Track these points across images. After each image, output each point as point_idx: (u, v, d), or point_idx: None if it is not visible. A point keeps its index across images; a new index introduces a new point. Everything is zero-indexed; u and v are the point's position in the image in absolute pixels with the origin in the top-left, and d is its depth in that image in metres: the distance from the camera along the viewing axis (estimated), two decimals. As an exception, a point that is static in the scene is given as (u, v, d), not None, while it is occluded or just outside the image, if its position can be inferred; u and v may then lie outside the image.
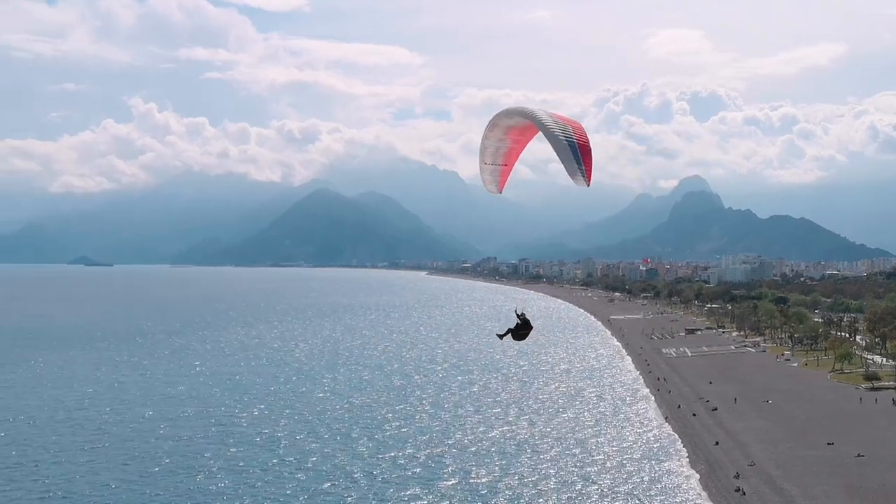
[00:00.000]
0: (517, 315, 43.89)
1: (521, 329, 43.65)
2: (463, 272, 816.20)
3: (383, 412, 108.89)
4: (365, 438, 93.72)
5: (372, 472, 79.97)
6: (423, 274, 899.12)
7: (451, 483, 76.84)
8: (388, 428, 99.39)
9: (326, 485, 76.32)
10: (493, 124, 38.88)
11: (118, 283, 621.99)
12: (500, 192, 41.51)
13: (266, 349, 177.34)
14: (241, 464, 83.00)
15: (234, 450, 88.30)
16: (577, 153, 35.56)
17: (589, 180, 36.02)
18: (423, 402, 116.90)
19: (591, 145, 36.92)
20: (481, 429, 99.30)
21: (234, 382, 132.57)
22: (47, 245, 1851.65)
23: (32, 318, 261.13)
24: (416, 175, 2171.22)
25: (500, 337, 44.18)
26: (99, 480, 77.33)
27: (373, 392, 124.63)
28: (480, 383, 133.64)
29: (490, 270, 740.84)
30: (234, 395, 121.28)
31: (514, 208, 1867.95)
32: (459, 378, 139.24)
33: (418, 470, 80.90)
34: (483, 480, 77.81)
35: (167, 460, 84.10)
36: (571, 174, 35.89)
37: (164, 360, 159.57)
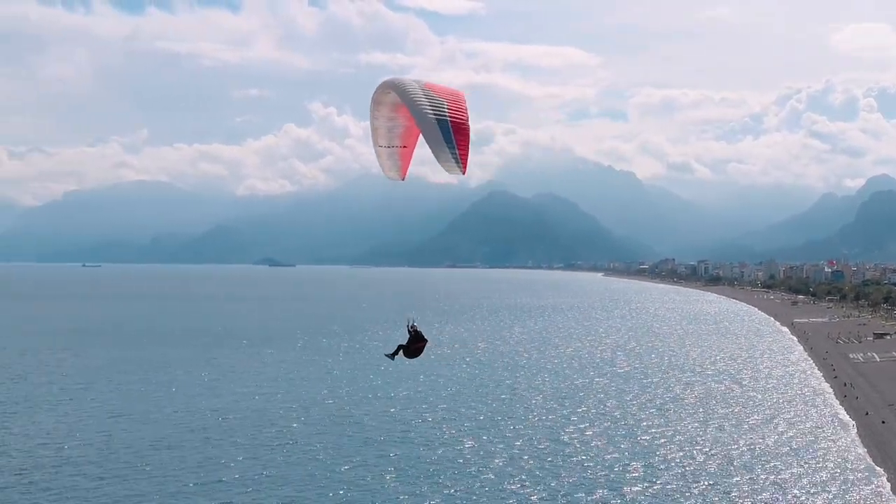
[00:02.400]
0: (408, 329, 40.36)
1: (414, 343, 40.37)
2: (640, 274, 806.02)
3: (565, 413, 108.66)
4: (547, 440, 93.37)
5: (559, 474, 79.81)
6: (599, 275, 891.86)
7: (637, 489, 76.56)
8: (570, 430, 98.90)
9: (513, 486, 76.65)
10: (375, 101, 33.90)
11: (301, 283, 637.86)
12: (403, 178, 36.17)
13: (444, 348, 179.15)
14: (425, 463, 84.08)
15: (421, 449, 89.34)
16: (448, 132, 30.79)
17: (464, 168, 31.27)
18: (605, 404, 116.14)
19: (470, 123, 31.59)
20: (669, 432, 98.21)
21: (415, 381, 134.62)
22: (233, 246, 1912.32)
23: (220, 317, 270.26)
24: (592, 176, 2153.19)
25: (391, 356, 40.91)
26: (280, 475, 79.70)
27: (552, 393, 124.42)
28: (664, 386, 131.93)
29: (668, 272, 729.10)
30: (416, 393, 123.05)
31: (693, 209, 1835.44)
32: (642, 380, 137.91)
33: (605, 472, 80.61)
34: (671, 486, 77.25)
35: (356, 458, 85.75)
36: (441, 160, 31.18)
37: (344, 358, 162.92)
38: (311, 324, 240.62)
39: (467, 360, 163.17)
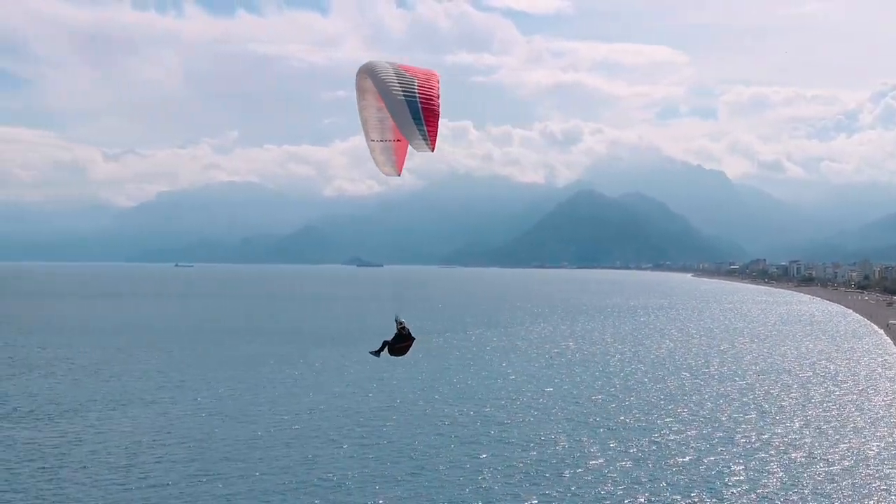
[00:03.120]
0: (397, 324, 39.51)
1: (399, 342, 39.65)
2: (730, 274, 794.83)
3: (660, 415, 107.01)
4: (643, 442, 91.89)
5: (656, 476, 78.48)
6: (688, 276, 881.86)
7: (736, 491, 75.08)
8: (666, 431, 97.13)
9: (609, 487, 75.70)
10: (359, 89, 33.10)
11: (389, 283, 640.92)
12: (399, 174, 35.27)
13: (534, 349, 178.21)
14: (520, 464, 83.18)
15: (515, 450, 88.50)
16: (417, 111, 30.26)
17: (433, 145, 30.62)
18: (701, 406, 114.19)
19: (440, 104, 30.98)
20: (766, 435, 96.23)
21: (506, 380, 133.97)
22: (322, 246, 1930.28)
23: (311, 316, 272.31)
24: (680, 175, 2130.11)
25: (376, 354, 40.14)
26: (372, 474, 79.61)
27: (646, 394, 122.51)
28: (760, 388, 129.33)
29: (758, 272, 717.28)
30: (507, 393, 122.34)
31: (785, 208, 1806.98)
32: (738, 382, 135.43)
33: (704, 475, 79.18)
34: (772, 489, 75.66)
35: (449, 458, 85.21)
36: (409, 137, 30.65)
37: (435, 357, 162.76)
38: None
39: (559, 360, 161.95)
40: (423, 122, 30.53)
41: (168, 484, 75.35)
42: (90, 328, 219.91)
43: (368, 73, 32.18)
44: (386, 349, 40.47)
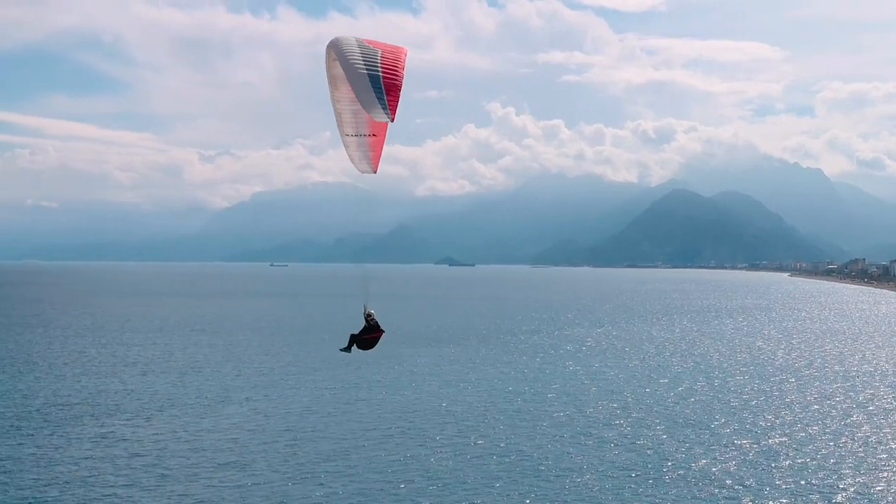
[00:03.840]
0: (365, 317, 38.17)
1: (367, 334, 38.43)
2: (828, 274, 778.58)
3: (765, 416, 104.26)
4: (748, 443, 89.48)
5: (765, 479, 76.37)
6: (785, 276, 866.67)
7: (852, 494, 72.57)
8: (775, 433, 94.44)
9: (714, 488, 73.77)
10: (330, 77, 32.39)
11: (482, 283, 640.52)
12: (375, 171, 34.31)
13: (633, 349, 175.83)
14: (622, 464, 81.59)
15: (616, 450, 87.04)
16: (378, 81, 29.53)
17: (393, 115, 29.70)
18: (808, 408, 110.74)
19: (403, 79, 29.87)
20: (885, 436, 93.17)
21: (605, 380, 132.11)
22: (415, 246, 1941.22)
23: (405, 315, 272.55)
24: (777, 173, 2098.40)
25: (346, 350, 38.52)
26: (468, 474, 78.60)
27: (750, 394, 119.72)
28: (869, 390, 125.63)
29: (858, 272, 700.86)
30: (606, 393, 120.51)
31: (885, 207, 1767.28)
32: (845, 384, 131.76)
33: (819, 477, 76.59)
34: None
35: (549, 458, 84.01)
36: (367, 105, 29.68)
37: (530, 358, 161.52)
38: (494, 323, 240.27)
39: (656, 360, 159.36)
40: (384, 92, 29.66)
41: (264, 483, 75.20)
42: (188, 327, 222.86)
43: (334, 49, 31.36)
44: (356, 342, 39.45)
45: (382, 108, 29.59)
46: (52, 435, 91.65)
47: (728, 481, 76.32)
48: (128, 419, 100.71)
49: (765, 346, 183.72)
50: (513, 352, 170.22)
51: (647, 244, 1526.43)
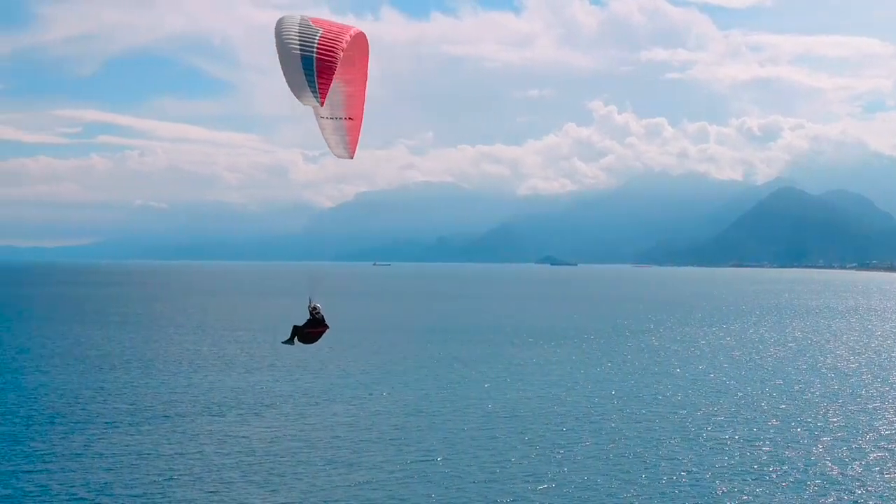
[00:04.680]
0: (310, 310, 37.64)
1: (310, 328, 37.82)
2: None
3: (870, 420, 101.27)
4: (846, 447, 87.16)
5: (866, 483, 73.99)
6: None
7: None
8: (877, 437, 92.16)
9: (809, 493, 71.61)
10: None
11: (583, 282, 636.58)
12: (352, 157, 32.63)
13: (745, 351, 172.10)
14: (719, 467, 79.69)
15: (712, 453, 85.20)
16: (309, 66, 27.85)
17: (322, 98, 28.32)
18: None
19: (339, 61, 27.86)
20: None
21: (705, 382, 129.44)
22: (516, 245, 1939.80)
23: (507, 315, 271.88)
24: (888, 171, 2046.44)
25: (288, 342, 37.87)
26: (568, 475, 77.36)
27: (854, 397, 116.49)
28: None
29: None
30: (703, 396, 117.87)
31: None
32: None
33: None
34: None
35: (645, 459, 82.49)
36: (296, 90, 28.35)
37: (637, 357, 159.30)
38: (600, 323, 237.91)
39: (769, 361, 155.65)
40: (315, 74, 28.16)
41: (369, 482, 75.06)
42: (289, 326, 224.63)
43: (275, 31, 29.78)
44: (298, 336, 39.01)
45: (312, 92, 28.39)
46: (162, 431, 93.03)
47: (825, 483, 73.84)
48: (236, 417, 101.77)
49: (881, 347, 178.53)
50: (619, 351, 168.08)
51: (752, 243, 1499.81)
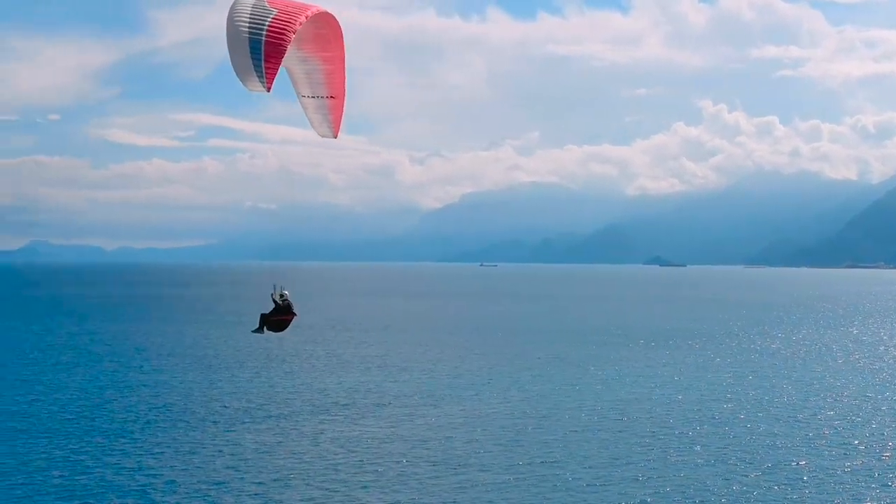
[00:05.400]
0: (273, 299, 36.99)
1: (276, 315, 37.22)
2: None
3: None
4: None
5: None
6: None
7: None
8: None
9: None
10: None
11: (693, 284, 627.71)
12: (336, 136, 31.59)
13: (866, 356, 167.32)
14: (833, 472, 77.41)
15: (828, 457, 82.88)
16: (257, 49, 26.19)
17: (269, 84, 26.50)
18: None
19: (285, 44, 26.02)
20: None
21: (822, 385, 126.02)
22: (623, 246, 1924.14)
23: (615, 316, 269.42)
24: None
25: (258, 331, 37.15)
26: (681, 477, 75.69)
27: None
28: None
29: None
30: (828, 401, 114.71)
31: None
32: None
33: None
34: None
35: (763, 464, 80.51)
36: (241, 74, 26.53)
37: (750, 360, 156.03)
38: (712, 324, 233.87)
39: (880, 366, 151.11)
40: (263, 58, 26.51)
41: (475, 484, 74.76)
42: (401, 326, 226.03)
43: (229, 11, 28.17)
44: (266, 324, 37.95)
45: (258, 77, 26.82)
46: (276, 431, 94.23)
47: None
48: (348, 416, 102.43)
49: None
50: (733, 354, 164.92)
51: (868, 244, 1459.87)
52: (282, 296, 37.86)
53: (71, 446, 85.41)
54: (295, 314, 38.42)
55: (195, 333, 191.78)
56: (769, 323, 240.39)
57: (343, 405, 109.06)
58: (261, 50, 26.62)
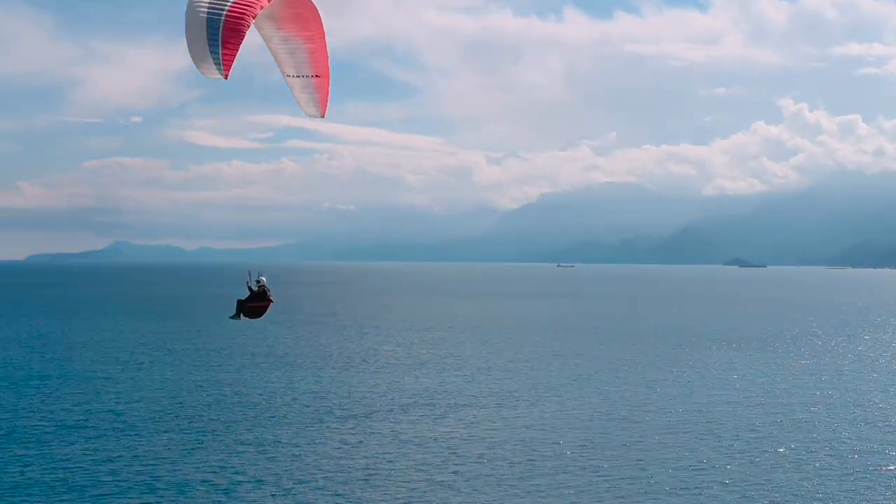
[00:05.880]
0: (249, 286, 37.35)
1: (252, 301, 37.49)
2: None
3: None
4: None
5: None
6: None
7: None
8: None
9: None
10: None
11: (776, 285, 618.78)
12: (323, 116, 31.14)
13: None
14: None
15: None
16: (215, 30, 25.00)
17: (225, 71, 25.55)
18: None
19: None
20: None
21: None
22: (702, 247, 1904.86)
23: (694, 318, 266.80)
24: None
25: (235, 317, 37.64)
26: (762, 482, 74.82)
27: None
28: None
29: None
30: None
31: None
32: None
33: None
34: None
35: (857, 474, 79.48)
36: (197, 61, 25.64)
37: (835, 362, 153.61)
38: (790, 327, 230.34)
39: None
40: (220, 44, 25.67)
41: (555, 486, 74.78)
42: (478, 326, 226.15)
43: None
44: (243, 311, 38.49)
45: (214, 63, 25.94)
46: (354, 429, 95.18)
47: None
48: (421, 416, 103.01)
49: None
50: (817, 356, 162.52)
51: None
52: (258, 282, 38.07)
53: (156, 444, 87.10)
54: (271, 301, 38.50)
55: (277, 333, 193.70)
56: (854, 325, 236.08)
57: (422, 405, 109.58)
58: (218, 35, 25.96)
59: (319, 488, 72.99)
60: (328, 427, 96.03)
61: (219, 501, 70.06)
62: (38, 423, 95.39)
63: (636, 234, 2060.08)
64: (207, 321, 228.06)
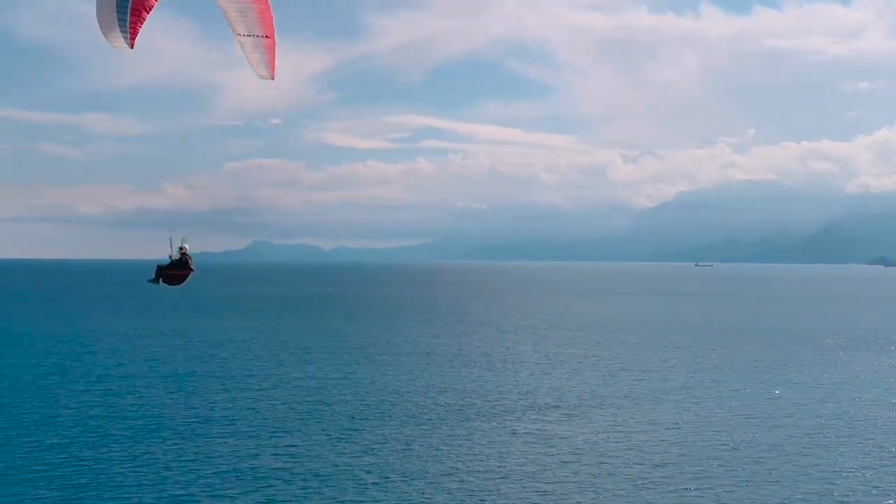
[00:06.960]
0: (170, 256, 37.37)
1: (173, 269, 37.40)
2: None
3: None
4: None
5: None
6: None
7: None
8: None
9: None
10: None
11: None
12: (273, 78, 30.73)
13: None
14: None
15: None
16: (124, 4, 24.68)
17: (131, 40, 25.23)
18: None
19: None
20: None
21: None
22: (844, 245, 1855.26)
23: (837, 319, 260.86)
24: None
25: (153, 282, 37.66)
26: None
27: None
28: None
29: None
30: None
31: None
32: None
33: None
34: None
35: None
36: (105, 29, 25.30)
37: None
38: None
39: None
40: (129, 12, 25.24)
41: (691, 489, 73.93)
42: (615, 326, 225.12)
43: None
44: (162, 277, 38.11)
45: (122, 33, 25.68)
46: (486, 428, 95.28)
47: None
48: (561, 416, 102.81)
49: None
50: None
51: None
52: (181, 249, 38.00)
53: (293, 440, 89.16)
54: (192, 269, 38.49)
55: (419, 332, 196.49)
56: None
57: (554, 405, 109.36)
58: (127, 5, 25.79)
59: (448, 487, 73.09)
60: (461, 425, 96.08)
61: (367, 494, 71.54)
62: (185, 419, 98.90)
63: (776, 233, 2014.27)
64: (350, 319, 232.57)
